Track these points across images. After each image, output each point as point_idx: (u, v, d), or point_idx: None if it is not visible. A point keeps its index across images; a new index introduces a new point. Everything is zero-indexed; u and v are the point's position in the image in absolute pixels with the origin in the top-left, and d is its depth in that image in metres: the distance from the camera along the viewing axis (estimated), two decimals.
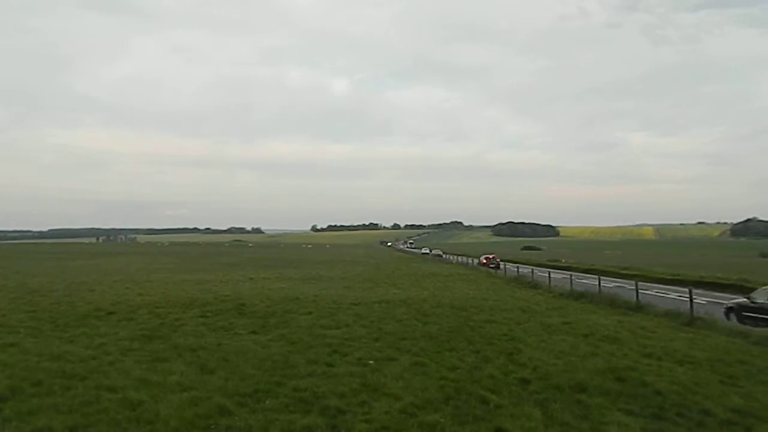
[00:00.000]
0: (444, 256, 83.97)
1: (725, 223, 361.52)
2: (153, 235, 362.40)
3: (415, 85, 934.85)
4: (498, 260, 52.64)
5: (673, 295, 24.31)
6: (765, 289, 17.52)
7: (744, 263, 62.49)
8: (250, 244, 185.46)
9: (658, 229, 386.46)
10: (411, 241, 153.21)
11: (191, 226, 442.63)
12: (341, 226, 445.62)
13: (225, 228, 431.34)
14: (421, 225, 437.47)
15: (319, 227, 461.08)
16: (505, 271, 39.22)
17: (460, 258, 65.57)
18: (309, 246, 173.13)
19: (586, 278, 30.55)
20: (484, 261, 53.12)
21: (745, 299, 17.94)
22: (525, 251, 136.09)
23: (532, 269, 36.28)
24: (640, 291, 19.83)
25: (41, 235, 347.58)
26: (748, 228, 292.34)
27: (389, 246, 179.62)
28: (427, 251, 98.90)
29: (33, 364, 8.72)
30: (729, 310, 17.73)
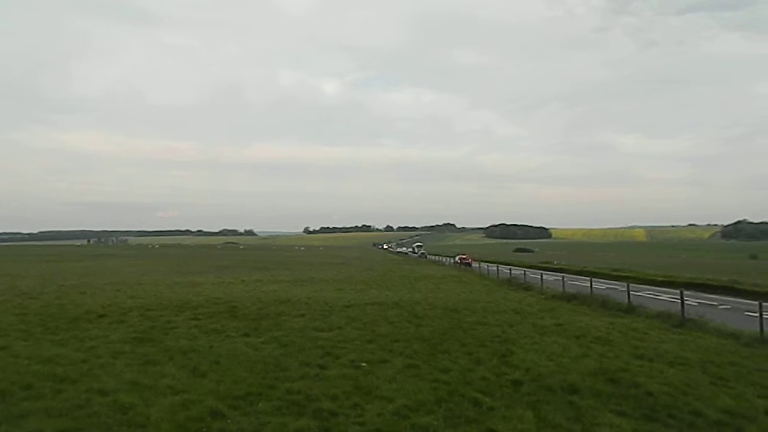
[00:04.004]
0: (408, 253, 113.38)
1: (716, 225, 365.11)
2: (144, 237, 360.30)
3: (406, 88, 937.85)
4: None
5: (664, 297, 24.47)
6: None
7: (734, 265, 63.00)
8: (242, 247, 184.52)
9: (650, 231, 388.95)
10: (419, 243, 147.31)
11: (183, 228, 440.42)
12: (334, 228, 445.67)
13: (217, 230, 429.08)
14: (413, 227, 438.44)
15: (311, 229, 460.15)
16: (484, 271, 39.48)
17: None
18: (301, 248, 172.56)
19: (578, 280, 30.74)
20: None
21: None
22: (517, 253, 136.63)
23: (525, 271, 36.44)
24: (631, 293, 19.95)
25: (31, 237, 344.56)
26: (739, 230, 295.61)
27: (384, 249, 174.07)
28: (402, 249, 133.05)
29: (23, 367, 8.64)
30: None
